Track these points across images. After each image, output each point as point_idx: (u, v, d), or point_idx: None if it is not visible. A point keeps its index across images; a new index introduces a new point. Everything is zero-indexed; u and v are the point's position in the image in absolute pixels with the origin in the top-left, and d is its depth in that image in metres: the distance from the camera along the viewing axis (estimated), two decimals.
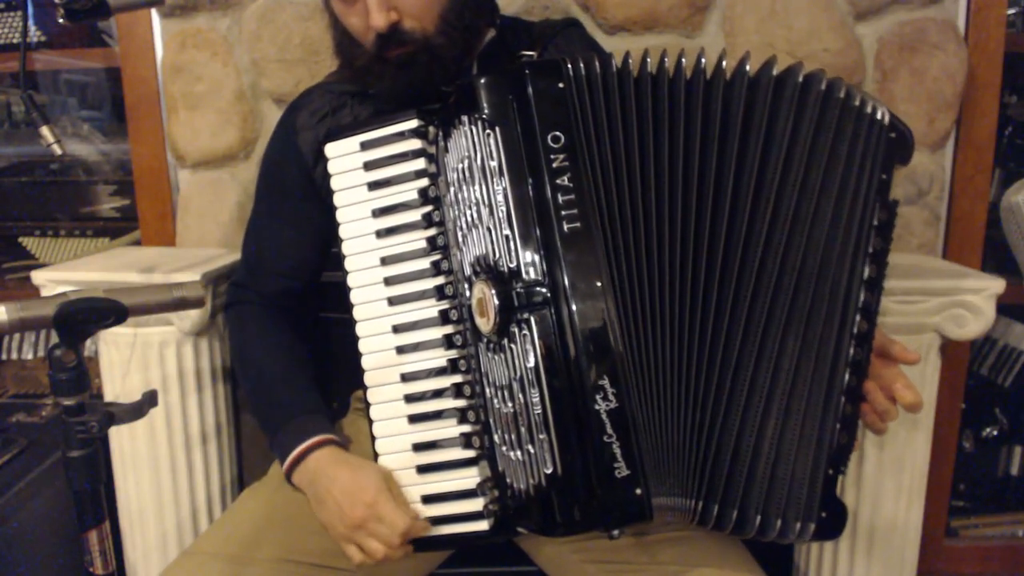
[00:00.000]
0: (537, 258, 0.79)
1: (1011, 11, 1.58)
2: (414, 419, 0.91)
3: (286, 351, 1.07)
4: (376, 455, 0.93)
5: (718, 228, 0.82)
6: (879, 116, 0.85)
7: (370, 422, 0.93)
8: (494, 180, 0.81)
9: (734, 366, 0.81)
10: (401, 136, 0.91)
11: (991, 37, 1.45)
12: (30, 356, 1.93)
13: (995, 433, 1.85)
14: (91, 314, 0.72)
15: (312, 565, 0.94)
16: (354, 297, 0.93)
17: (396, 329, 0.91)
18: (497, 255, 0.81)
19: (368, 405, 0.93)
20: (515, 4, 1.43)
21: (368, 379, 0.93)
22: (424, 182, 0.90)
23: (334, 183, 0.94)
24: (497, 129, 0.80)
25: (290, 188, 1.10)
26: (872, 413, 0.86)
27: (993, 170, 1.54)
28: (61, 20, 0.92)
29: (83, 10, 0.92)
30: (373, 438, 0.93)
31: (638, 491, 0.79)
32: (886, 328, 1.25)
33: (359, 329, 0.93)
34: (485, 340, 0.84)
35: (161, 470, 1.35)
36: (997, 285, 1.22)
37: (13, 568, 1.35)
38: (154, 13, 1.50)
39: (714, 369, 0.82)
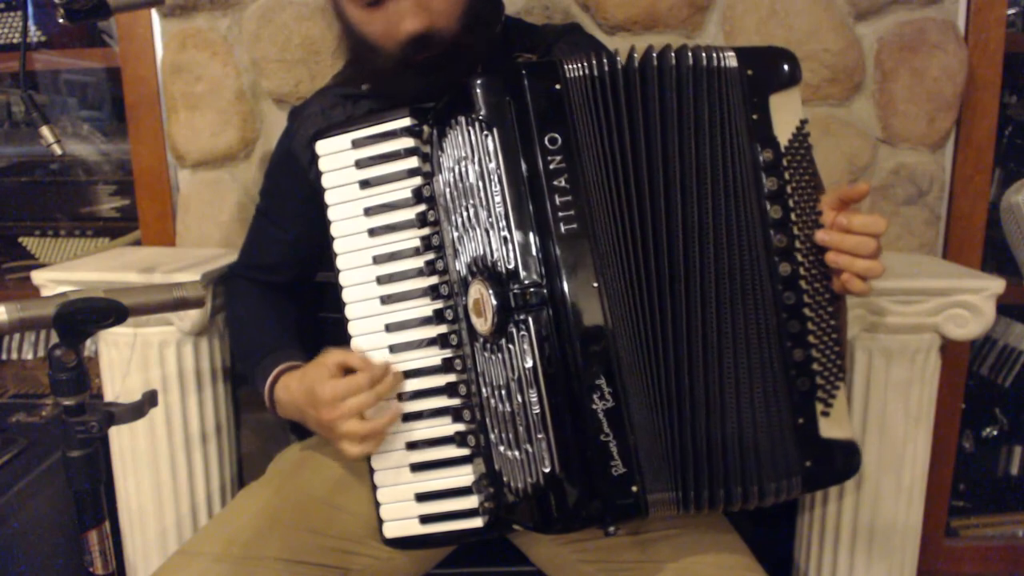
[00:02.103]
0: (534, 259, 0.79)
1: (1011, 11, 1.58)
2: (407, 418, 0.91)
3: (267, 304, 1.14)
4: (369, 455, 0.93)
5: (677, 221, 0.83)
6: (725, 63, 0.84)
7: None
8: (491, 181, 0.81)
9: (704, 353, 0.82)
10: (393, 134, 0.91)
11: (991, 37, 1.45)
12: (30, 356, 1.93)
13: (995, 433, 1.85)
14: (91, 314, 0.72)
15: (314, 565, 0.94)
16: (346, 296, 0.93)
17: (388, 328, 0.91)
18: (494, 256, 0.81)
19: None
20: (515, 4, 1.43)
21: None
22: (417, 181, 0.90)
23: (325, 181, 0.94)
24: (494, 130, 0.80)
25: (286, 190, 1.13)
26: (844, 276, 0.83)
27: (993, 170, 1.54)
28: (61, 20, 0.92)
29: (83, 10, 0.92)
30: None
31: (634, 488, 0.80)
32: (886, 328, 1.26)
33: (351, 328, 0.93)
34: (481, 340, 0.84)
35: (161, 470, 1.35)
36: (997, 285, 1.22)
37: (13, 568, 1.35)
38: (154, 13, 1.50)
39: (696, 360, 0.82)
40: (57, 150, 1.15)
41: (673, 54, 0.84)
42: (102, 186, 1.89)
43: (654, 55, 0.84)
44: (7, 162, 1.91)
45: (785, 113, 0.84)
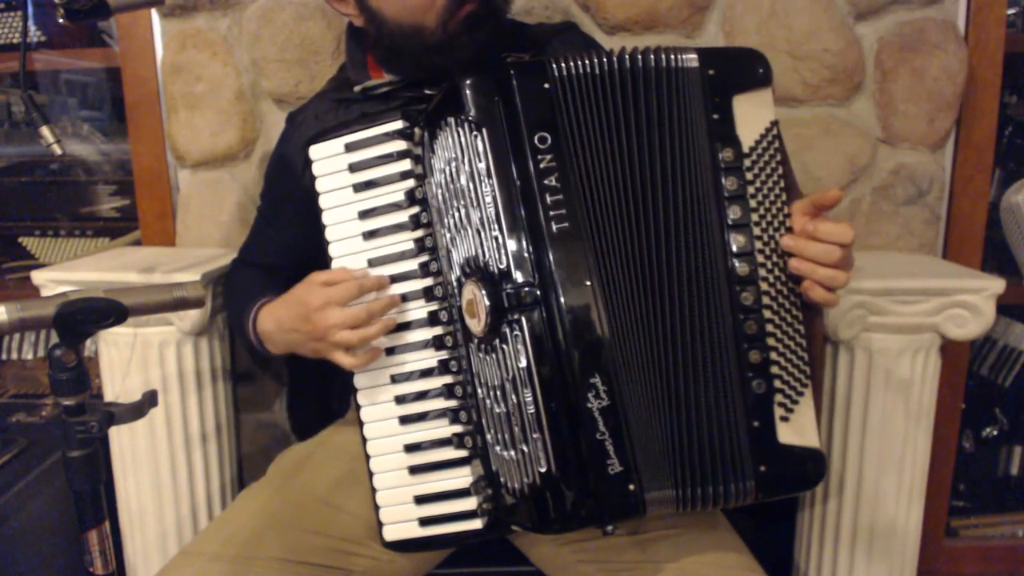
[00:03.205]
0: (526, 259, 0.79)
1: (1011, 11, 1.58)
2: (405, 420, 0.91)
3: (266, 281, 1.14)
4: (368, 457, 0.93)
5: (650, 219, 0.83)
6: (684, 63, 0.83)
7: (361, 424, 0.93)
8: (482, 182, 0.81)
9: (680, 351, 0.82)
10: (386, 137, 0.90)
11: (991, 37, 1.45)
12: (30, 356, 1.93)
13: (995, 433, 1.85)
14: (91, 314, 0.72)
15: (314, 565, 0.94)
16: None
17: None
18: (486, 256, 0.81)
19: (359, 407, 0.93)
20: (515, 4, 1.43)
21: (358, 381, 0.93)
22: (410, 183, 0.90)
23: (319, 185, 0.94)
24: (484, 130, 0.80)
25: (282, 194, 1.15)
26: (805, 283, 0.82)
27: (993, 170, 1.54)
28: (61, 20, 0.92)
29: (83, 10, 0.92)
30: (364, 440, 0.93)
31: (631, 487, 0.80)
32: (886, 328, 1.26)
33: None
34: (476, 341, 0.84)
35: (161, 470, 1.35)
36: (997, 285, 1.22)
37: (13, 568, 1.35)
38: (154, 13, 1.50)
39: (677, 358, 0.82)
40: (57, 150, 1.15)
41: (628, 56, 0.83)
42: (102, 186, 1.89)
43: (627, 56, 0.84)
44: (7, 162, 1.91)
45: (751, 114, 0.83)
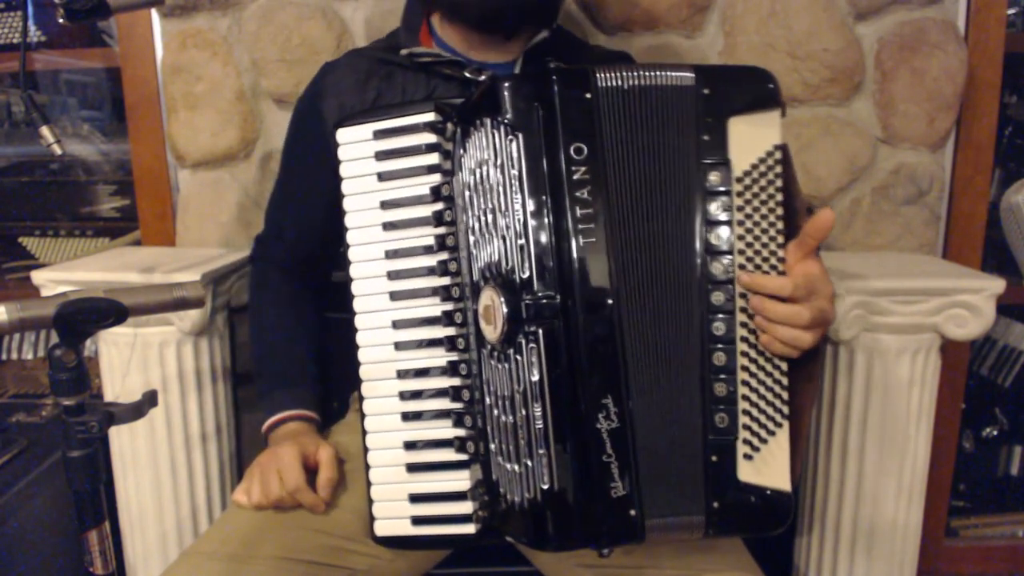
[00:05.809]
0: (550, 271, 0.77)
1: (1011, 11, 1.58)
2: (407, 417, 0.90)
3: (296, 318, 1.14)
4: (366, 450, 0.92)
5: (656, 242, 0.81)
6: (680, 81, 0.81)
7: (362, 416, 0.92)
8: (512, 187, 0.78)
9: (663, 378, 0.80)
10: (416, 128, 0.88)
11: (991, 37, 1.45)
12: (30, 356, 1.93)
13: (995, 433, 1.85)
14: (91, 314, 0.72)
15: (312, 563, 0.94)
16: (355, 288, 0.92)
17: (396, 325, 0.90)
18: (509, 264, 0.79)
19: (362, 399, 0.92)
20: None
21: (363, 373, 0.92)
22: (437, 178, 0.88)
23: (343, 170, 0.92)
24: (520, 135, 0.78)
25: (304, 152, 1.11)
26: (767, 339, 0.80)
27: (993, 170, 1.54)
28: (61, 20, 0.92)
29: (83, 10, 0.92)
30: (364, 433, 0.92)
31: (632, 512, 0.78)
32: (886, 328, 1.26)
33: (358, 321, 0.92)
34: (489, 347, 0.83)
35: (161, 470, 1.35)
36: (997, 285, 1.22)
37: (13, 568, 1.35)
38: (154, 13, 1.50)
39: (660, 385, 0.80)
40: (57, 150, 1.15)
41: (629, 73, 0.81)
42: (102, 186, 1.89)
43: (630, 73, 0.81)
44: (7, 162, 1.91)
45: (750, 137, 0.80)
